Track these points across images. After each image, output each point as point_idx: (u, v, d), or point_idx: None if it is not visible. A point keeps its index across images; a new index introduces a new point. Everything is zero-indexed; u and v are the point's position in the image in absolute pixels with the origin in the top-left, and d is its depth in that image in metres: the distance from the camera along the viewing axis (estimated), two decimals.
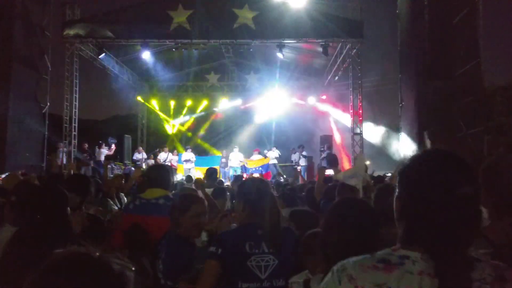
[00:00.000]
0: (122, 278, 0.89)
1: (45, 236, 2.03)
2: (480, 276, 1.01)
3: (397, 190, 1.17)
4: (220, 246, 2.16)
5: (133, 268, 0.92)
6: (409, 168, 1.14)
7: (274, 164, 15.77)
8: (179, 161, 16.18)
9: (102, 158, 14.57)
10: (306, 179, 13.07)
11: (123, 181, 5.92)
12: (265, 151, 16.59)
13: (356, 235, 1.61)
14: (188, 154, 16.17)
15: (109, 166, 12.42)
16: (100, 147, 14.86)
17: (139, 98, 19.91)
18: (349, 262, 1.09)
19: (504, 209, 1.70)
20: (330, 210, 1.81)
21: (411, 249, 1.06)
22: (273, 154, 16.05)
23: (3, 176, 8.71)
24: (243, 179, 7.76)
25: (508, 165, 1.77)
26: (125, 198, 5.40)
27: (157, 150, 17.45)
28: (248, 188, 2.35)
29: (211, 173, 6.35)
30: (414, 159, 1.15)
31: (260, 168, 15.73)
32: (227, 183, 10.55)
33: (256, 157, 16.44)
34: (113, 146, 15.11)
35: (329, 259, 1.61)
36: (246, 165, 16.06)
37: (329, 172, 5.91)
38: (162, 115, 20.33)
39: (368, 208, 1.82)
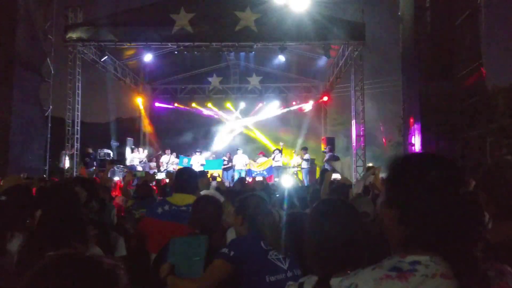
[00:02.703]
0: (113, 277, 0.90)
1: (60, 235, 2.05)
2: None
3: (385, 196, 1.12)
4: (233, 249, 2.18)
5: (123, 267, 0.93)
6: (403, 173, 1.10)
7: (277, 167, 15.69)
8: (180, 163, 16.08)
9: (135, 162, 15.35)
10: (308, 181, 13.04)
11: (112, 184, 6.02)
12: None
13: (338, 234, 1.45)
14: (200, 158, 16.12)
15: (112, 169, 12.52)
16: (132, 152, 15.24)
17: (141, 100, 19.95)
18: (359, 278, 1.05)
19: (507, 212, 1.69)
20: (314, 208, 1.69)
21: (419, 253, 1.03)
22: (276, 157, 15.98)
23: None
24: (246, 182, 7.76)
25: (509, 168, 1.75)
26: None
27: (159, 152, 17.46)
28: (247, 205, 2.47)
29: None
30: (405, 163, 1.12)
31: (264, 172, 15.67)
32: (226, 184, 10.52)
33: (261, 159, 16.41)
34: (140, 150, 15.53)
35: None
36: (251, 168, 15.99)
37: (336, 176, 5.91)
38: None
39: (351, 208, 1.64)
